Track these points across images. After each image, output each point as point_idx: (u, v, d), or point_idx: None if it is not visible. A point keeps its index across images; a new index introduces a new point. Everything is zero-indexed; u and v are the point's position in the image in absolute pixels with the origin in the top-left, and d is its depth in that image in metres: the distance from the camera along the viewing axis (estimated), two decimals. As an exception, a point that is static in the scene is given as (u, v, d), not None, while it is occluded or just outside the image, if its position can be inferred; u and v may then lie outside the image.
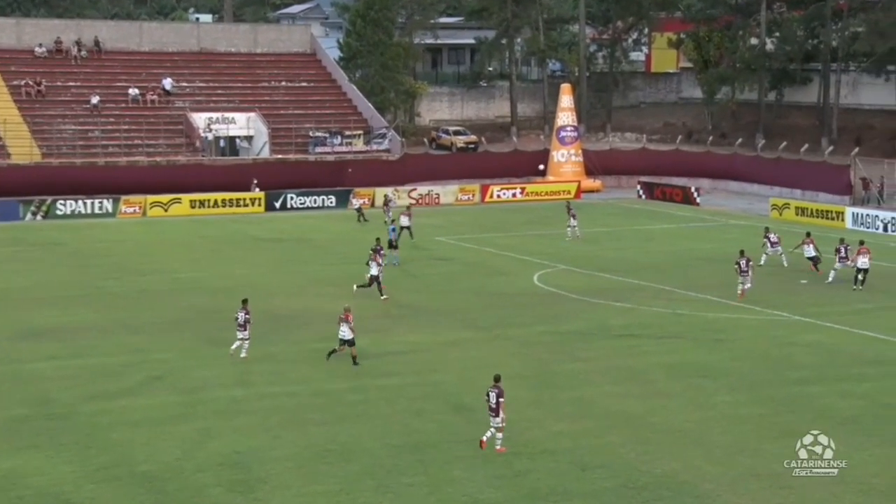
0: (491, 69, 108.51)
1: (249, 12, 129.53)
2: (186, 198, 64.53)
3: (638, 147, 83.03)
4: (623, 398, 28.86)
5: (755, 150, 76.79)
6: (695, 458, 24.50)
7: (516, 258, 50.11)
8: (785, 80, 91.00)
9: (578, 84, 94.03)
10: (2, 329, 36.13)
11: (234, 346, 32.55)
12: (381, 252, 41.78)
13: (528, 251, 51.65)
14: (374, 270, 40.50)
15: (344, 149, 75.89)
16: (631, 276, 45.46)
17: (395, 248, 47.99)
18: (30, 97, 74.35)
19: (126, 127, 73.30)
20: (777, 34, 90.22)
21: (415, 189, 69.14)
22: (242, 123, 75.63)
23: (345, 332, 31.65)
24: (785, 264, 46.61)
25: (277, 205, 66.29)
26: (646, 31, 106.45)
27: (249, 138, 75.57)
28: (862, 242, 43.79)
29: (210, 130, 73.79)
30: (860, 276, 42.43)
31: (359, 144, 76.91)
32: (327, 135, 76.21)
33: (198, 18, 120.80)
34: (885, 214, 58.99)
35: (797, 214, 62.12)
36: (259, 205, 66.02)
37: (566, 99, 76.66)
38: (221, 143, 74.27)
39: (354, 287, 40.88)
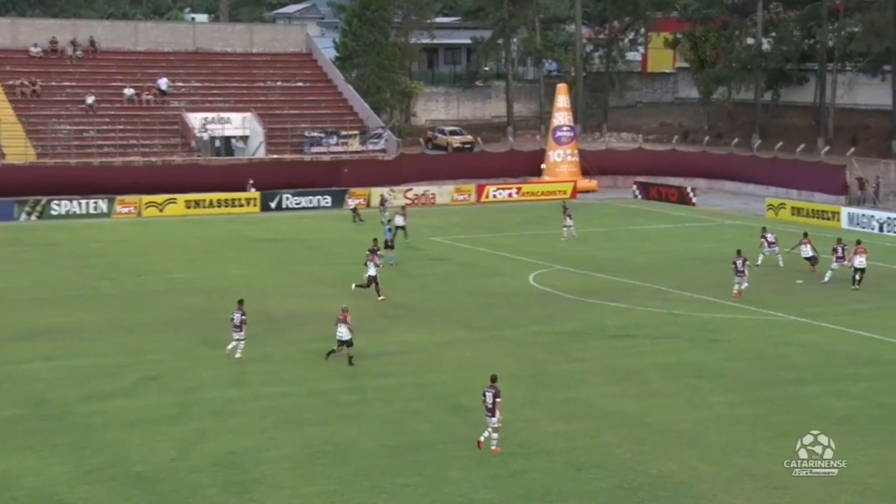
0: (487, 69, 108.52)
1: (245, 12, 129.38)
2: (182, 198, 64.44)
3: (634, 147, 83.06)
4: (619, 398, 28.84)
5: (751, 150, 76.83)
6: (690, 459, 24.48)
7: (512, 258, 50.08)
8: (781, 80, 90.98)
9: (575, 84, 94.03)
10: (-4, 329, 36.08)
11: (229, 347, 32.51)
12: (378, 252, 41.74)
13: (524, 251, 51.62)
14: (372, 271, 40.45)
15: (340, 149, 75.81)
16: (627, 277, 45.45)
17: (392, 248, 47.95)
18: (25, 97, 74.23)
19: (121, 127, 73.18)
20: (773, 34, 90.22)
21: (411, 189, 69.09)
22: (238, 123, 75.52)
23: (342, 333, 31.62)
24: (781, 264, 46.63)
25: (273, 205, 66.20)
26: (642, 30, 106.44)
27: (245, 138, 75.48)
28: (859, 242, 43.84)
29: (205, 130, 73.68)
30: (857, 276, 42.46)
31: (355, 144, 76.84)
32: (323, 135, 76.15)
33: (193, 18, 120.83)
34: (881, 214, 59.03)
35: (793, 214, 62.15)
36: (255, 205, 65.95)
37: (562, 99, 76.63)
38: (217, 143, 74.18)
39: (353, 286, 40.86)
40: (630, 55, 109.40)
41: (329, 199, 67.37)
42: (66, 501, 22.23)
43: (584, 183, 74.20)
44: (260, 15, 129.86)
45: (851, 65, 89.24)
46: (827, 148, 76.91)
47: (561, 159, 75.59)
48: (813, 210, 62.10)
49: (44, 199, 62.18)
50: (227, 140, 74.74)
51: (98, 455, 24.67)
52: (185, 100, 77.85)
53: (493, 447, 24.68)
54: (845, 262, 43.30)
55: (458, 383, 29.93)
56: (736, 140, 79.11)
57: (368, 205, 65.39)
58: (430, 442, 25.50)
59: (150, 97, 76.92)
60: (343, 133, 76.98)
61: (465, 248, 52.89)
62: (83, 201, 62.73)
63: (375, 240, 43.96)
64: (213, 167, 70.66)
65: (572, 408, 28.10)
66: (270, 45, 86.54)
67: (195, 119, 74.38)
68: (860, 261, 42.47)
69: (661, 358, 32.93)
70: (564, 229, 55.06)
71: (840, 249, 43.75)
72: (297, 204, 66.80)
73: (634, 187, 73.23)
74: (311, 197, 67.27)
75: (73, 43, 79.84)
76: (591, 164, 76.28)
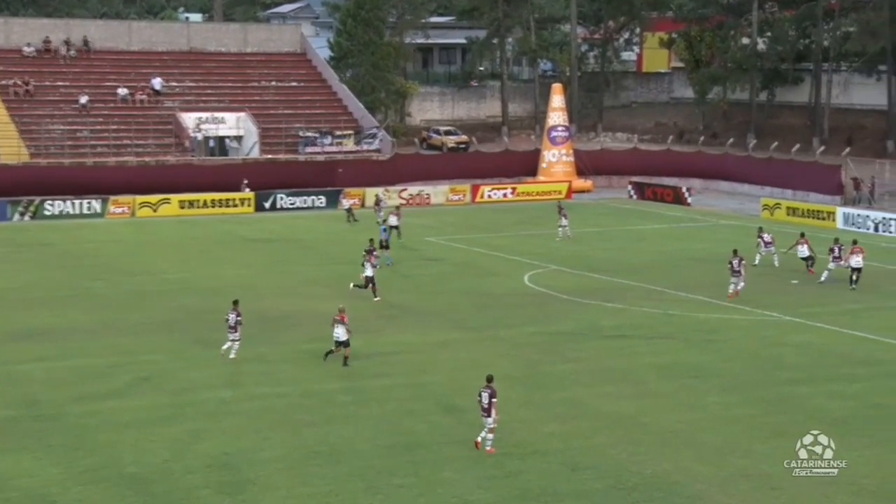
0: (482, 69, 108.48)
1: (239, 12, 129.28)
2: (176, 198, 64.31)
3: (629, 147, 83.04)
4: (614, 399, 28.79)
5: (746, 150, 76.82)
6: (685, 459, 24.43)
7: (507, 258, 50.02)
8: (776, 80, 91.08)
9: (570, 84, 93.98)
10: (-10, 330, 35.97)
11: (224, 347, 32.44)
12: (375, 253, 41.67)
13: (519, 251, 51.57)
14: (369, 272, 40.37)
15: (334, 149, 75.71)
16: (622, 277, 45.40)
17: (387, 248, 47.89)
18: (18, 97, 74.04)
19: (115, 127, 73.02)
20: (769, 34, 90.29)
21: (405, 189, 69.01)
22: (232, 123, 75.40)
23: (339, 334, 31.52)
24: (776, 264, 46.61)
25: (267, 205, 66.10)
26: (637, 30, 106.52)
27: (239, 138, 75.34)
28: (855, 242, 43.85)
29: (199, 130, 73.56)
30: (854, 276, 42.45)
31: (349, 144, 76.74)
32: (317, 135, 76.05)
33: (187, 18, 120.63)
34: (876, 214, 59.03)
35: (788, 214, 62.13)
36: (249, 205, 65.84)
37: (557, 99, 76.56)
38: (211, 143, 74.03)
39: (351, 285, 40.80)
40: (625, 55, 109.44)
41: (323, 199, 67.27)
42: (59, 502, 22.15)
43: (579, 183, 74.14)
44: (254, 14, 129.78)
45: (847, 65, 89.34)
46: (822, 148, 76.95)
47: (556, 159, 75.52)
48: (808, 210, 62.10)
49: (37, 200, 62.03)
50: (221, 140, 74.61)
51: (91, 456, 24.58)
52: (179, 100, 77.70)
53: (488, 448, 24.62)
54: (842, 262, 43.28)
55: (453, 384, 29.87)
56: (731, 140, 79.12)
57: (363, 205, 65.30)
58: (425, 442, 25.43)
59: (144, 97, 76.76)
60: (337, 133, 76.88)
61: (459, 249, 52.82)
62: (77, 201, 62.59)
63: (372, 240, 43.89)
64: (207, 167, 70.52)
65: (567, 408, 28.04)
66: (265, 45, 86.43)
67: (189, 119, 74.24)
68: (857, 260, 42.47)
69: (656, 358, 32.88)
70: (559, 229, 55.02)
71: (836, 249, 43.73)
72: (291, 204, 66.70)
73: (629, 187, 73.18)
74: (305, 197, 67.18)
75: (67, 42, 79.68)
76: (587, 164, 76.24)
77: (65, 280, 44.91)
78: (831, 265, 43.68)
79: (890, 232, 57.02)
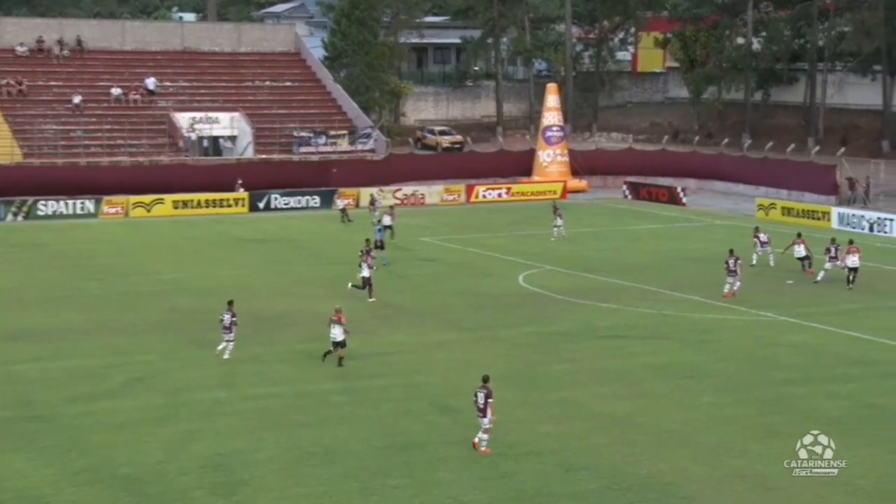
0: (477, 69, 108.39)
1: (233, 11, 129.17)
2: (169, 198, 64.17)
3: (624, 147, 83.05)
4: (609, 399, 28.74)
5: (741, 150, 76.84)
6: (680, 459, 24.39)
7: (502, 259, 49.96)
8: (771, 80, 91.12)
9: (564, 84, 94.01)
10: (-17, 330, 35.84)
11: (219, 347, 32.36)
12: (371, 253, 41.59)
13: (514, 252, 51.51)
14: (365, 272, 40.28)
15: (328, 149, 75.63)
16: (617, 277, 45.36)
17: (382, 248, 47.82)
18: (11, 97, 73.91)
19: (108, 127, 72.90)
20: (763, 34, 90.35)
21: (400, 189, 68.92)
22: (226, 123, 75.28)
23: (336, 334, 31.43)
24: (771, 264, 46.60)
25: (261, 205, 65.97)
26: (632, 30, 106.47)
27: (233, 138, 75.24)
28: (851, 242, 43.85)
29: (193, 130, 73.43)
30: (851, 276, 42.46)
31: (343, 144, 76.65)
32: (312, 135, 75.96)
33: (181, 17, 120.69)
34: (871, 214, 59.05)
35: (783, 214, 62.13)
36: (243, 205, 65.71)
37: (552, 99, 76.53)
38: (205, 143, 73.92)
39: (349, 285, 40.70)
40: (620, 55, 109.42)
41: (318, 199, 67.15)
42: (52, 503, 22.09)
43: (574, 183, 74.12)
44: (248, 14, 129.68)
45: (842, 65, 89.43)
46: (817, 148, 76.95)
47: (551, 159, 75.48)
48: (803, 210, 62.10)
49: (30, 200, 61.86)
50: (215, 140, 74.49)
51: (85, 457, 24.49)
52: (172, 99, 77.58)
53: (483, 448, 24.56)
54: (838, 262, 43.28)
55: (448, 384, 29.81)
56: (726, 140, 79.08)
57: (357, 205, 65.21)
58: (420, 443, 25.36)
59: (138, 97, 76.65)
60: (332, 133, 76.78)
61: (454, 249, 52.75)
62: (70, 201, 62.42)
63: (368, 240, 43.80)
64: (201, 167, 70.40)
65: (562, 408, 27.99)
66: (259, 45, 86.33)
67: (183, 119, 74.12)
68: (853, 260, 42.48)
69: (651, 358, 32.84)
70: (554, 229, 54.96)
71: (833, 249, 43.72)
72: (285, 204, 66.58)
73: (624, 187, 73.15)
74: (299, 197, 67.07)
75: (60, 42, 79.53)
76: (581, 164, 76.19)
77: (58, 280, 44.79)
78: (827, 265, 43.67)
79: (885, 232, 57.05)
